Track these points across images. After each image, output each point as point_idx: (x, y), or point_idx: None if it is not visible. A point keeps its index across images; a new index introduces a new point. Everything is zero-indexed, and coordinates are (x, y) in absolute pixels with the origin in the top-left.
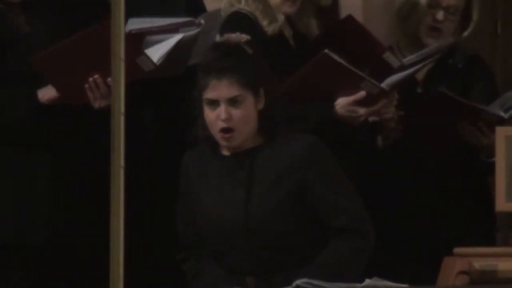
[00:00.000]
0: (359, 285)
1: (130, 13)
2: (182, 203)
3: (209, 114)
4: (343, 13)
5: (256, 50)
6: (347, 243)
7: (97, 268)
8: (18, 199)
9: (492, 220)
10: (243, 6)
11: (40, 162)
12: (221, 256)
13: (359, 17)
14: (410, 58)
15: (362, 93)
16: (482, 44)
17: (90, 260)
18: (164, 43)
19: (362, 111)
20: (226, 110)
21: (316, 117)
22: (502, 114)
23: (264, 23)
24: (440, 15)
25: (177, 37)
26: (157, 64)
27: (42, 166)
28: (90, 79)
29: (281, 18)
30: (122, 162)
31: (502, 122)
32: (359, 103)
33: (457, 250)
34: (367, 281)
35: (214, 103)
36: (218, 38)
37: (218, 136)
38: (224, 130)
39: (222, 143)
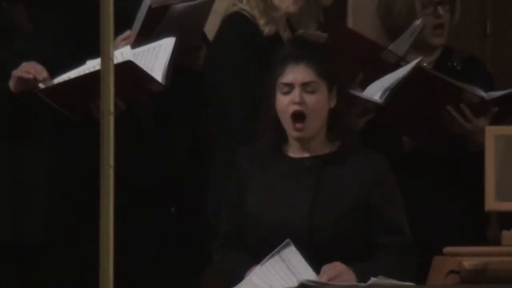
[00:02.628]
0: (363, 284)
1: None
2: (232, 194)
3: (282, 99)
4: (352, 14)
5: (331, 50)
6: (392, 260)
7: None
8: (14, 197)
9: (485, 219)
10: (243, 6)
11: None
12: (262, 250)
13: (367, 18)
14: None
15: (359, 109)
16: (472, 45)
17: (84, 259)
18: (153, 51)
19: (361, 121)
20: (300, 94)
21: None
22: (483, 94)
23: (261, 22)
24: (440, 10)
25: (169, 45)
26: (165, 84)
27: (39, 163)
28: (92, 104)
29: (279, 15)
30: (111, 162)
31: (484, 104)
32: (357, 114)
33: (447, 249)
34: (372, 279)
35: (289, 87)
36: (297, 33)
37: (289, 125)
38: (296, 116)
39: (293, 134)
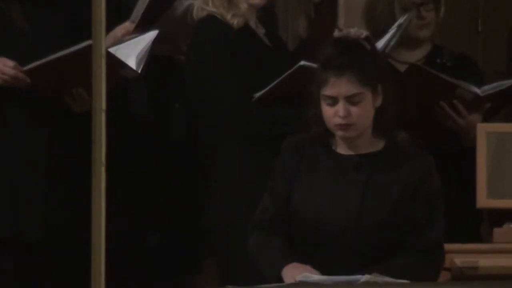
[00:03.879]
0: (360, 279)
1: None
2: (275, 184)
3: (327, 111)
4: (343, 9)
5: (373, 46)
6: (416, 264)
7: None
8: (13, 192)
9: (477, 216)
10: (210, 8)
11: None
12: (307, 252)
13: (358, 13)
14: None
15: None
16: (463, 42)
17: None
18: (133, 43)
19: None
20: (345, 108)
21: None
22: (477, 90)
23: (228, 16)
24: (423, 11)
25: (149, 36)
26: (139, 71)
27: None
28: (74, 90)
29: (243, 7)
30: (103, 160)
31: (477, 100)
32: None
33: None
34: (367, 277)
35: (333, 100)
36: (336, 33)
37: (334, 128)
38: (341, 126)
39: (338, 133)
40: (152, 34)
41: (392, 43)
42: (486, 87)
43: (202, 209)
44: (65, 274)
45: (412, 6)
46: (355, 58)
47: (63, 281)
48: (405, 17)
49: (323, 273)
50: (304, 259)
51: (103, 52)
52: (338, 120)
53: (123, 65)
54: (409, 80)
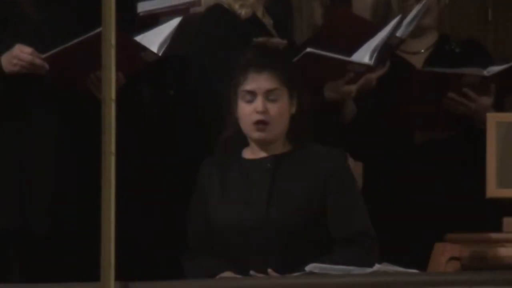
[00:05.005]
0: (369, 269)
1: None
2: (195, 208)
3: (244, 108)
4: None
5: (289, 56)
6: (348, 253)
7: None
8: (21, 185)
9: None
10: None
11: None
12: (230, 257)
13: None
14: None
15: (350, 75)
16: (473, 32)
17: (87, 249)
18: (158, 30)
19: (353, 87)
20: (263, 103)
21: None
22: (483, 72)
23: (236, 6)
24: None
25: (174, 23)
26: (160, 54)
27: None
28: (92, 75)
29: (257, 3)
30: (113, 149)
31: (485, 81)
32: (348, 82)
33: (448, 236)
34: (377, 266)
35: (251, 95)
36: (256, 39)
37: (251, 128)
38: (259, 123)
39: (255, 135)
40: (175, 21)
41: (406, 30)
42: (492, 68)
43: None
44: (73, 267)
45: None
46: (275, 58)
47: (71, 274)
48: (420, 5)
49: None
50: (230, 265)
51: (113, 42)
52: (256, 116)
53: (143, 48)
54: (415, 84)
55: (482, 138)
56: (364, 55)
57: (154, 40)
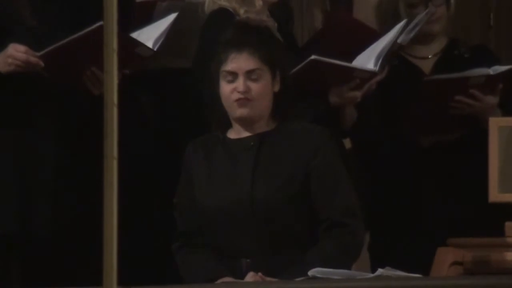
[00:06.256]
0: (371, 274)
1: None
2: (182, 191)
3: (226, 87)
4: (359, 4)
5: (273, 34)
6: (335, 240)
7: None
8: (22, 187)
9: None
10: (223, 2)
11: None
12: (219, 238)
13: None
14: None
15: (356, 81)
16: (475, 37)
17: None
18: (154, 26)
19: (358, 93)
20: (244, 83)
21: (312, 113)
22: (488, 71)
23: (241, 11)
24: (431, 7)
25: (170, 18)
26: (155, 49)
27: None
28: (88, 71)
29: (258, 4)
30: (115, 154)
31: (491, 80)
32: (353, 88)
33: (450, 240)
34: (380, 271)
35: (233, 76)
36: (240, 17)
37: (233, 106)
38: (240, 100)
39: (237, 112)
40: (171, 17)
41: (406, 37)
42: (497, 67)
43: None
44: (75, 270)
45: (419, 3)
46: (255, 37)
47: (72, 277)
48: (422, 15)
49: (229, 260)
50: (217, 246)
51: (115, 46)
52: (237, 95)
53: (136, 43)
54: (424, 93)
55: (486, 141)
56: (367, 60)
57: (150, 36)
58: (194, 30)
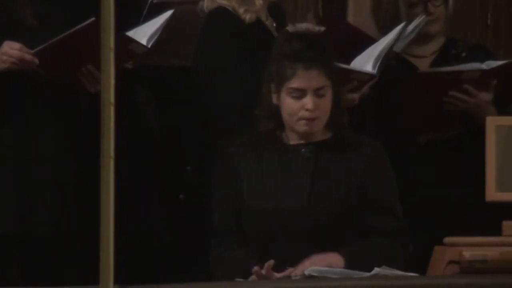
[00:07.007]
0: (368, 273)
1: None
2: (224, 189)
3: (292, 104)
4: (353, 7)
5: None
6: (381, 250)
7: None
8: (21, 187)
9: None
10: (222, 1)
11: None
12: (263, 242)
13: (368, 12)
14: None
15: (354, 83)
16: (473, 36)
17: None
18: (150, 23)
19: (356, 95)
20: (313, 101)
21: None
22: (482, 66)
23: (241, 11)
24: (431, 7)
25: (165, 15)
26: (150, 46)
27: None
28: (83, 68)
29: (258, 3)
30: (112, 153)
31: (485, 75)
32: (351, 90)
33: (447, 239)
34: (376, 270)
35: (299, 92)
36: (290, 27)
37: (298, 123)
38: (307, 120)
39: (302, 128)
40: (166, 14)
41: (401, 44)
42: (491, 62)
43: (208, 203)
44: (74, 269)
45: (419, 2)
46: (321, 52)
47: (71, 276)
48: (419, 20)
49: (280, 265)
50: (262, 253)
51: (112, 45)
52: (305, 114)
53: (130, 40)
54: (416, 88)
55: (482, 139)
56: (365, 62)
57: (145, 33)
58: (193, 29)
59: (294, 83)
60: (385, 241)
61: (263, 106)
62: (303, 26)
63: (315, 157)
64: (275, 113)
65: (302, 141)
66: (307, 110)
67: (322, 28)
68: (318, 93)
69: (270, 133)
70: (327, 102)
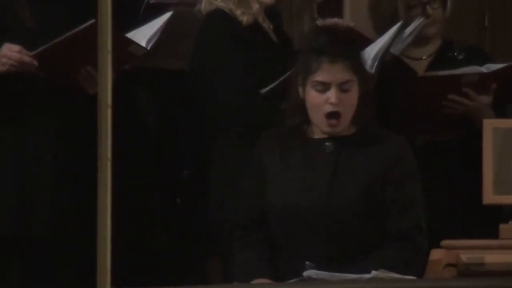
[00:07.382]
0: (366, 276)
1: None
2: (249, 182)
3: (316, 97)
4: (348, 11)
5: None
6: (399, 252)
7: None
8: (19, 189)
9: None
10: (219, 3)
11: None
12: (283, 238)
13: (363, 14)
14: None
15: None
16: (470, 37)
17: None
18: (150, 25)
19: None
20: (337, 94)
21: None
22: (481, 69)
23: (238, 13)
24: (429, 9)
25: (164, 17)
26: (149, 48)
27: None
28: (83, 70)
29: (255, 6)
30: (109, 155)
31: (484, 78)
32: None
33: (444, 242)
34: (374, 273)
35: (324, 86)
36: (320, 22)
37: (322, 122)
38: (331, 115)
39: (326, 129)
40: (166, 16)
41: (399, 47)
42: (491, 65)
43: (205, 206)
44: (71, 271)
45: (418, 4)
46: (347, 47)
47: (69, 278)
48: (417, 23)
49: (297, 261)
50: (280, 248)
51: (109, 47)
52: (329, 108)
53: (130, 41)
54: (416, 91)
55: (480, 141)
56: (363, 62)
57: (145, 34)
58: (191, 31)
59: (319, 76)
60: (403, 246)
61: (290, 99)
62: (332, 20)
63: (336, 153)
64: (302, 107)
65: (326, 136)
66: (330, 103)
67: (351, 23)
68: (342, 87)
69: (296, 127)
70: (352, 97)
